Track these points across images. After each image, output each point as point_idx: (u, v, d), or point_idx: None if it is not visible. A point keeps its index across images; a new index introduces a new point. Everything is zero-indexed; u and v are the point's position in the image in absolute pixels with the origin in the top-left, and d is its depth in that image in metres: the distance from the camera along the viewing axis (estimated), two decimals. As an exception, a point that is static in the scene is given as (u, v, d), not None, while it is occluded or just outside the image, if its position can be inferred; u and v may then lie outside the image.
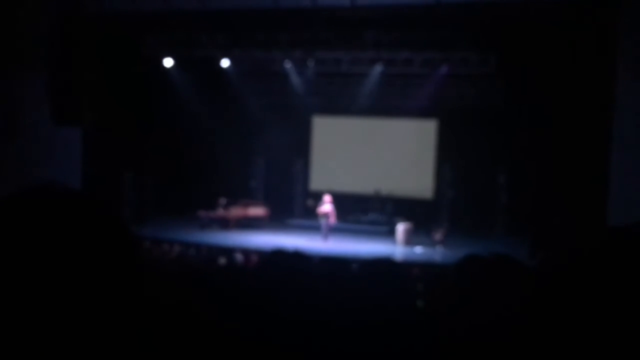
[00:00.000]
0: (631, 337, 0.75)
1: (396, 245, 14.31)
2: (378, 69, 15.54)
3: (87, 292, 0.83)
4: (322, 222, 14.51)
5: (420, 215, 16.27)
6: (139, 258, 0.92)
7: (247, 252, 10.91)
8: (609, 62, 10.21)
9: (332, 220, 14.48)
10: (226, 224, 15.68)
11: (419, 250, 13.77)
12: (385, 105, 17.22)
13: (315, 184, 18.58)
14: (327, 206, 14.50)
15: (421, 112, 17.00)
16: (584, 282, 0.81)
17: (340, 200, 14.92)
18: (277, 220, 16.87)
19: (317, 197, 16.09)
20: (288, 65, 16.17)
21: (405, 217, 15.37)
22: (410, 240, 14.39)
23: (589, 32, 10.86)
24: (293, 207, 18.41)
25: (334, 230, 14.66)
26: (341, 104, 17.65)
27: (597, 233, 0.88)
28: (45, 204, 0.87)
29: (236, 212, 16.11)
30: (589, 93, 11.06)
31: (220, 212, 15.86)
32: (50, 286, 0.81)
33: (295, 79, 16.79)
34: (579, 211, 11.12)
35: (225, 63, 16.04)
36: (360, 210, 16.94)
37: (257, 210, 16.75)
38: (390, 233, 15.12)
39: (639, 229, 0.84)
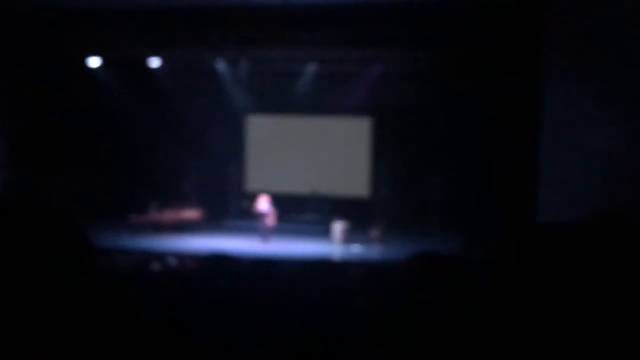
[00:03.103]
0: (557, 328, 0.80)
1: (333, 244, 14.28)
2: (312, 67, 15.51)
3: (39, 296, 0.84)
4: (260, 223, 14.32)
5: (356, 213, 16.31)
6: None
7: (181, 256, 10.61)
8: (536, 59, 10.48)
9: (271, 221, 14.30)
10: (159, 228, 15.27)
11: (356, 248, 13.78)
12: (320, 104, 17.20)
13: (251, 184, 18.36)
14: (264, 205, 14.32)
15: (356, 111, 17.06)
16: (513, 278, 0.87)
17: (276, 200, 14.78)
18: (213, 222, 16.57)
19: (253, 198, 15.89)
20: (220, 64, 15.92)
21: (342, 216, 15.37)
22: (347, 238, 14.39)
23: (517, 31, 11.13)
24: (229, 209, 18.13)
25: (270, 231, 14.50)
26: (276, 103, 17.51)
27: (525, 230, 0.93)
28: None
29: (169, 215, 15.72)
30: (518, 91, 11.34)
31: (152, 215, 15.44)
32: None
33: (228, 78, 16.55)
34: (511, 207, 11.39)
35: (155, 63, 15.64)
36: (297, 210, 16.84)
37: (191, 213, 16.40)
38: (327, 232, 15.09)
39: (564, 228, 0.91)
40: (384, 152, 17.50)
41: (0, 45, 11.64)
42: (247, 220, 16.12)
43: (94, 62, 15.23)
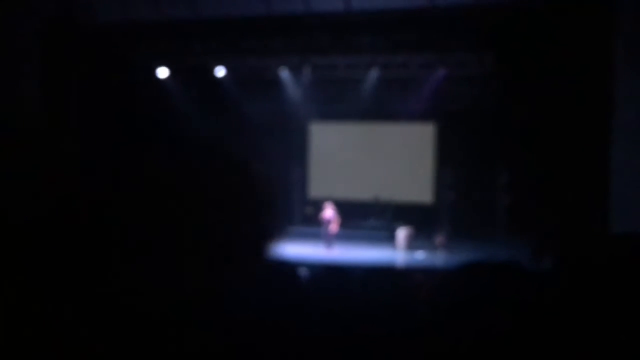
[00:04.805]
0: (634, 341, 0.75)
1: (397, 250, 14.17)
2: (374, 73, 15.47)
3: None
4: (324, 229, 14.38)
5: (420, 219, 16.14)
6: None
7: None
8: (607, 59, 10.11)
9: (334, 228, 14.33)
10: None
11: (420, 255, 13.62)
12: (383, 109, 17.13)
13: (314, 191, 18.46)
14: (329, 212, 14.38)
15: (419, 116, 16.91)
16: (589, 292, 0.82)
17: (339, 207, 14.79)
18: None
19: (316, 205, 15.96)
20: (284, 72, 16.09)
21: (406, 222, 15.23)
22: (411, 245, 14.25)
23: (586, 29, 10.77)
24: (292, 215, 18.28)
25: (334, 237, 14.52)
26: (339, 110, 17.55)
27: (601, 240, 0.88)
28: None
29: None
30: (588, 91, 10.96)
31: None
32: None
33: (291, 86, 16.71)
34: (581, 212, 11.00)
35: (220, 72, 15.97)
36: (360, 216, 16.80)
37: (256, 219, 16.59)
38: (390, 238, 14.98)
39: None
40: (448, 157, 17.25)
41: (73, 57, 12.14)
42: (310, 227, 16.20)
43: (163, 72, 15.68)
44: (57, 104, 11.97)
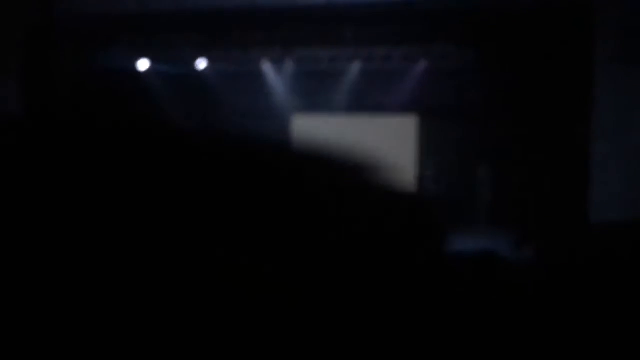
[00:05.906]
0: (617, 333, 0.75)
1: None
2: (357, 65, 15.45)
3: None
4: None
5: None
6: None
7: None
8: (588, 52, 10.21)
9: None
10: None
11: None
12: (365, 102, 17.14)
13: (297, 183, 18.42)
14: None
15: (402, 108, 16.93)
16: (571, 281, 0.83)
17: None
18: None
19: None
20: (265, 64, 16.02)
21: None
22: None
23: (567, 23, 10.87)
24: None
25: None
26: (321, 102, 17.53)
27: (581, 230, 0.89)
28: None
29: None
30: (569, 85, 11.07)
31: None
32: None
33: (273, 78, 16.65)
34: (562, 203, 11.14)
35: (201, 65, 15.84)
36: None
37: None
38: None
39: (621, 228, 0.87)
40: (431, 149, 17.29)
41: (50, 51, 12.00)
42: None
43: (143, 65, 15.52)
44: (37, 100, 11.83)
